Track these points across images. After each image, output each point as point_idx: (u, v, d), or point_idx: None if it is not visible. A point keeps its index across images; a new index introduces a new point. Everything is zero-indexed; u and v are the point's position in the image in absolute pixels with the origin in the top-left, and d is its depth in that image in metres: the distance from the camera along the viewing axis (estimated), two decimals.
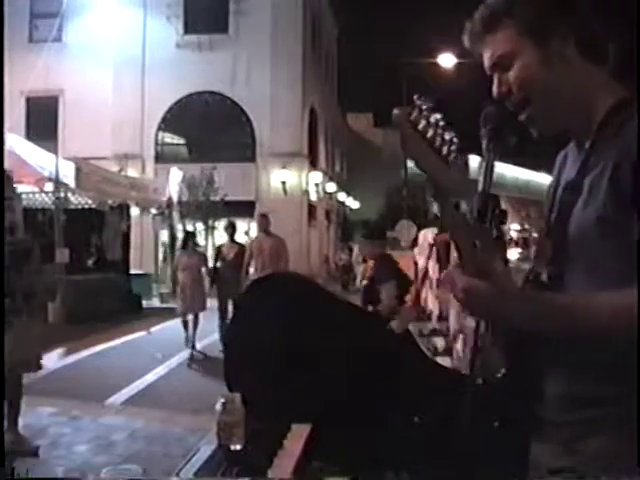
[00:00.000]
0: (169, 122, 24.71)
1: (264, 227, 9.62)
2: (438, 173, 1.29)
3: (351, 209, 36.53)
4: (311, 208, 26.27)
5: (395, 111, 1.28)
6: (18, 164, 11.43)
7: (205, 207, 20.49)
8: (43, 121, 23.30)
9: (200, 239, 20.03)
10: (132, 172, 21.27)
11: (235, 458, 1.80)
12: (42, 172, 12.40)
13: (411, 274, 9.34)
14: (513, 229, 42.36)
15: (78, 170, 12.76)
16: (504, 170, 37.56)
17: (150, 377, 8.13)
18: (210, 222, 20.52)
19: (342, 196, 33.42)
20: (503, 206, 1.39)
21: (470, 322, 5.64)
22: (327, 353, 2.45)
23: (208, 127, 24.21)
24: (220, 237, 13.01)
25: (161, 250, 18.07)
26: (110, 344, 10.36)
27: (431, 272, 8.44)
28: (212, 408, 1.85)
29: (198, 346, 9.80)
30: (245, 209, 20.84)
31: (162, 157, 24.33)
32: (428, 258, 5.90)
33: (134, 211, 16.64)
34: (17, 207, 10.85)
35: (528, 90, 1.41)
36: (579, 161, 1.43)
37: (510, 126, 1.42)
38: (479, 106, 1.44)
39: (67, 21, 22.50)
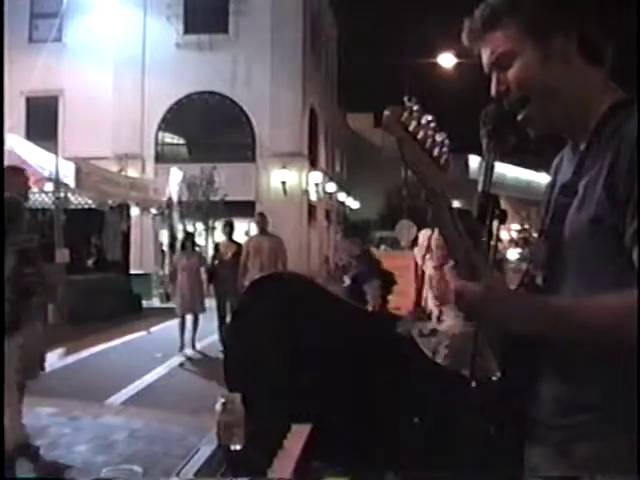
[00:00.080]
0: (169, 122, 24.71)
1: (262, 226, 9.62)
2: (429, 174, 1.30)
3: (351, 209, 36.53)
4: (311, 208, 26.27)
5: (386, 112, 1.28)
6: (18, 164, 11.42)
7: (205, 207, 20.49)
8: (43, 121, 23.30)
9: (200, 239, 20.07)
10: (132, 172, 21.27)
11: (235, 458, 1.79)
12: (42, 172, 12.40)
13: (411, 274, 9.34)
14: (513, 229, 42.41)
15: (78, 170, 12.77)
16: (504, 170, 37.59)
17: (150, 377, 8.13)
18: (210, 222, 20.52)
19: (342, 196, 33.42)
20: (503, 206, 1.39)
21: (457, 323, 5.66)
22: (327, 353, 2.45)
23: (208, 127, 24.21)
24: (220, 237, 13.02)
25: (167, 253, 18.01)
26: (110, 344, 10.36)
27: (429, 272, 8.43)
28: (212, 408, 1.84)
29: (198, 346, 9.81)
30: (245, 209, 20.83)
31: (162, 157, 24.34)
32: (423, 257, 5.90)
33: (134, 211, 16.64)
34: None
35: (527, 89, 1.40)
36: (574, 163, 1.43)
37: (510, 126, 1.42)
38: (479, 106, 1.43)
39: (67, 21, 22.50)
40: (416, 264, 9.19)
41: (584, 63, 1.40)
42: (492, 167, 1.41)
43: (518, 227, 42.23)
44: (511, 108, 1.43)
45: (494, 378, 1.45)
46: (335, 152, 34.15)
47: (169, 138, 25.21)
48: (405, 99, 1.29)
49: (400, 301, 7.70)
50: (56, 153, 13.33)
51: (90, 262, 14.80)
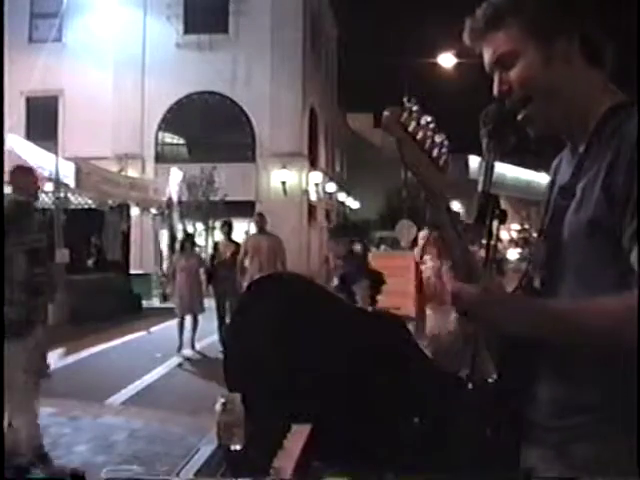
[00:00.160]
0: (169, 122, 24.71)
1: (260, 226, 9.62)
2: (428, 175, 1.30)
3: (351, 209, 36.53)
4: (311, 208, 26.26)
5: (385, 113, 1.28)
6: (18, 164, 11.42)
7: (205, 207, 20.49)
8: (43, 121, 23.29)
9: (200, 239, 20.06)
10: (132, 172, 21.26)
11: (235, 458, 1.79)
12: (42, 172, 12.39)
13: (411, 274, 9.35)
14: (513, 229, 42.43)
15: (78, 170, 12.77)
16: (504, 170, 37.59)
17: (150, 377, 8.13)
18: (210, 222, 20.52)
19: (342, 196, 33.42)
20: (503, 206, 1.39)
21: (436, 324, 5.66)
22: (327, 353, 2.45)
23: (208, 127, 24.21)
24: (220, 237, 13.04)
25: (166, 253, 18.00)
26: (110, 344, 10.36)
27: (425, 272, 8.44)
28: (211, 408, 1.84)
29: (197, 346, 9.82)
30: (245, 209, 20.82)
31: (162, 157, 24.34)
32: (421, 257, 5.90)
33: (134, 211, 16.65)
34: None
35: (529, 89, 1.40)
36: (573, 165, 1.43)
37: (510, 126, 1.42)
38: (479, 106, 1.43)
39: (67, 21, 22.51)
40: (416, 264, 9.21)
41: (585, 64, 1.40)
42: (492, 167, 1.41)
43: (518, 227, 42.25)
44: (512, 108, 1.42)
45: (490, 380, 1.45)
46: (335, 152, 34.15)
47: (169, 138, 25.21)
48: (405, 100, 1.29)
49: (400, 301, 7.71)
50: (56, 153, 13.33)
51: (90, 262, 14.81)
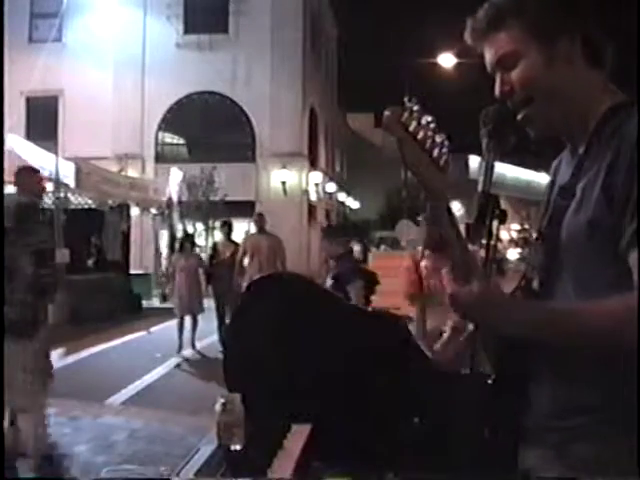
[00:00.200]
0: (169, 122, 24.70)
1: (260, 225, 9.61)
2: (429, 175, 1.30)
3: (351, 209, 36.53)
4: (311, 208, 26.26)
5: (386, 112, 1.28)
6: (18, 164, 11.41)
7: (205, 207, 20.49)
8: (43, 121, 23.29)
9: (200, 239, 20.05)
10: (132, 172, 21.26)
11: (235, 458, 1.79)
12: (42, 172, 12.38)
13: (412, 274, 9.33)
14: (513, 229, 42.42)
15: (78, 170, 12.77)
16: (504, 170, 37.57)
17: (150, 377, 8.13)
18: (210, 222, 20.52)
19: (342, 196, 33.42)
20: (503, 206, 1.39)
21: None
22: (327, 353, 2.45)
23: (208, 127, 24.20)
24: (220, 237, 13.05)
25: (165, 253, 17.98)
26: (110, 344, 10.36)
27: (424, 271, 8.42)
28: (211, 408, 1.84)
29: (197, 346, 9.81)
30: (245, 209, 20.82)
31: (162, 157, 24.33)
32: (421, 258, 5.89)
33: (134, 211, 16.64)
34: None
35: (531, 90, 1.40)
36: (573, 166, 1.43)
37: (510, 126, 1.42)
38: (479, 106, 1.43)
39: (67, 21, 22.50)
40: (416, 264, 9.19)
41: (586, 65, 1.40)
42: (492, 167, 1.40)
43: (518, 227, 42.23)
44: (514, 108, 1.43)
45: (489, 381, 1.45)
46: (335, 152, 34.14)
47: (169, 138, 25.20)
48: (405, 99, 1.29)
49: (400, 301, 7.70)
50: (56, 153, 13.32)
51: (90, 262, 14.80)
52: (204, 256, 11.82)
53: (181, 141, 25.39)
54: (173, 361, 9.16)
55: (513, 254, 32.79)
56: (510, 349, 1.40)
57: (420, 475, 1.88)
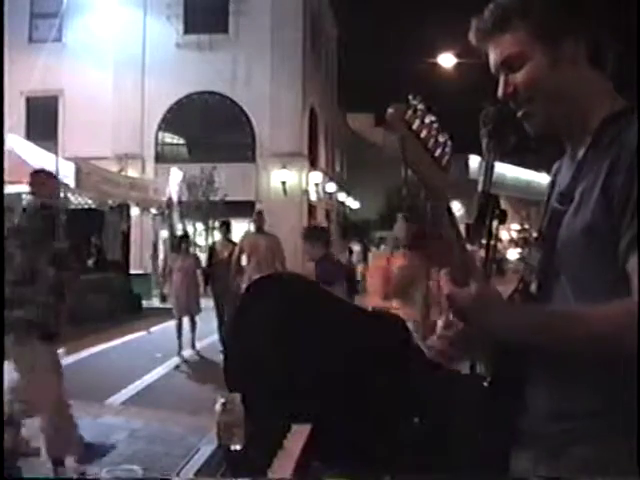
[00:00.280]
0: (169, 122, 24.70)
1: (259, 225, 9.58)
2: (430, 174, 1.29)
3: (351, 209, 36.52)
4: (311, 208, 26.26)
5: (390, 110, 1.26)
6: (18, 164, 11.42)
7: (205, 207, 20.49)
8: (43, 121, 23.28)
9: (200, 239, 20.05)
10: (132, 172, 21.26)
11: (235, 458, 1.79)
12: None
13: None
14: (513, 229, 42.43)
15: (78, 170, 12.77)
16: (504, 170, 37.57)
17: (150, 377, 8.13)
18: (210, 222, 20.52)
19: (342, 196, 33.41)
20: (503, 206, 1.39)
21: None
22: (327, 353, 2.45)
23: (208, 127, 24.20)
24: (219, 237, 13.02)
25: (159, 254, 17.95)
26: (110, 344, 10.36)
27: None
28: (211, 408, 1.84)
29: (197, 346, 9.80)
30: (245, 209, 20.81)
31: (162, 157, 24.33)
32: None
33: (134, 211, 16.64)
34: (17, 207, 10.88)
35: (535, 91, 1.39)
36: (572, 170, 1.43)
37: (510, 126, 1.42)
38: (479, 106, 1.43)
39: (67, 21, 22.46)
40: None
41: (590, 68, 1.40)
42: (492, 167, 1.40)
43: (518, 227, 42.22)
44: (515, 107, 1.42)
45: (485, 383, 1.45)
46: (335, 152, 34.14)
47: (169, 138, 25.20)
48: (410, 97, 1.28)
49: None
50: (56, 153, 13.32)
51: (90, 262, 14.80)
52: (203, 256, 11.80)
53: (181, 141, 25.39)
54: (173, 361, 9.16)
55: (513, 254, 32.81)
56: (506, 352, 1.40)
57: (420, 475, 1.88)
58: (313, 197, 26.33)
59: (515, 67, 1.40)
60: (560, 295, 1.38)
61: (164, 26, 24.12)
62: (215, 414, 1.82)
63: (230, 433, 1.80)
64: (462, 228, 1.34)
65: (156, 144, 24.73)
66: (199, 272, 10.08)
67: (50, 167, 12.32)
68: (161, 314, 13.10)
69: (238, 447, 1.80)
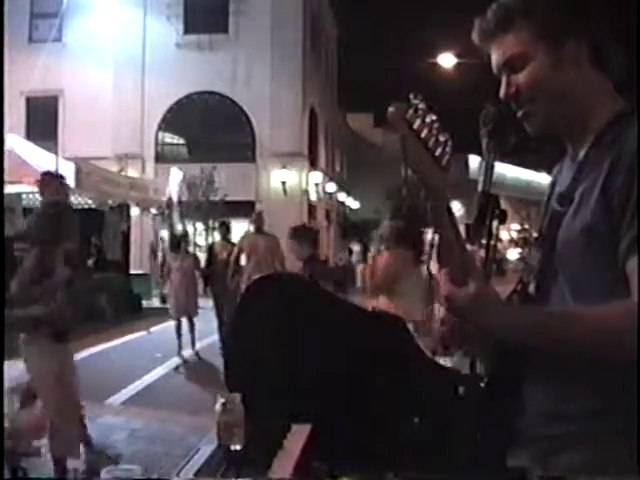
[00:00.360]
0: (169, 122, 24.71)
1: (258, 225, 9.58)
2: (431, 174, 1.29)
3: (351, 209, 36.52)
4: (311, 208, 26.26)
5: (390, 108, 1.26)
6: (18, 164, 11.43)
7: (205, 207, 20.49)
8: (43, 121, 23.28)
9: (200, 239, 20.04)
10: (132, 172, 21.26)
11: (235, 458, 1.79)
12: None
13: None
14: (513, 229, 42.43)
15: (78, 170, 12.76)
16: (504, 170, 37.56)
17: (150, 377, 8.13)
18: (210, 222, 20.52)
19: (342, 196, 33.41)
20: (503, 206, 1.39)
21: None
22: (327, 353, 2.45)
23: (208, 127, 24.21)
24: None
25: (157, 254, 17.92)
26: (110, 344, 10.36)
27: (434, 272, 8.43)
28: (211, 408, 1.84)
29: (197, 346, 9.78)
30: (245, 209, 20.82)
31: (162, 157, 24.33)
32: (428, 257, 5.88)
33: (134, 211, 16.64)
34: (17, 207, 10.90)
35: (537, 91, 1.39)
36: (573, 171, 1.43)
37: (510, 126, 1.42)
38: (479, 106, 1.43)
39: (67, 21, 22.47)
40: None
41: (592, 68, 1.39)
42: (492, 167, 1.40)
43: (518, 227, 42.23)
44: (517, 107, 1.42)
45: (482, 384, 1.44)
46: (335, 152, 34.14)
47: (169, 138, 25.21)
48: (411, 96, 1.27)
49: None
50: (56, 153, 13.32)
51: (90, 262, 14.80)
52: (204, 256, 11.78)
53: (181, 141, 25.39)
54: (173, 361, 9.15)
55: (513, 254, 32.82)
56: (503, 352, 1.40)
57: (420, 475, 1.88)
58: (313, 197, 26.33)
59: (517, 67, 1.40)
60: (558, 296, 1.38)
61: (164, 26, 24.12)
62: (215, 414, 1.82)
63: (230, 433, 1.80)
64: (462, 228, 1.34)
65: (156, 144, 24.73)
66: (197, 272, 10.04)
67: (50, 167, 12.36)
68: (161, 314, 13.09)
69: (238, 447, 1.80)
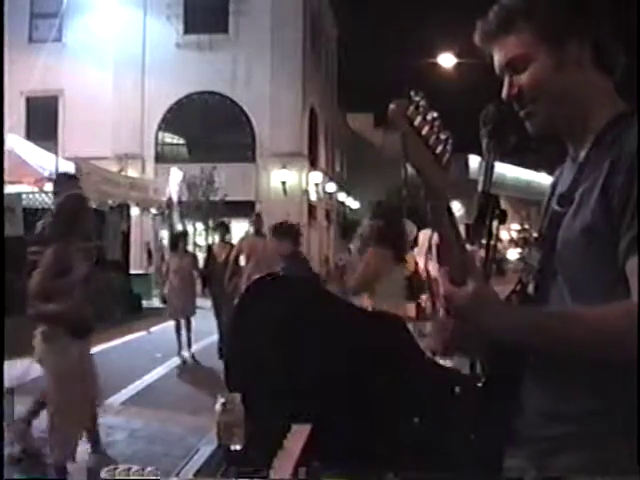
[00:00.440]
0: (169, 122, 24.71)
1: (257, 227, 9.55)
2: (431, 172, 1.28)
3: (351, 209, 36.53)
4: (311, 208, 26.26)
5: (391, 105, 1.25)
6: (18, 164, 11.44)
7: (205, 207, 20.49)
8: (43, 121, 23.29)
9: (200, 239, 20.03)
10: (132, 172, 21.26)
11: (235, 458, 1.79)
12: (42, 172, 12.40)
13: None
14: (513, 229, 42.44)
15: (78, 170, 12.75)
16: (504, 170, 37.57)
17: (150, 377, 8.13)
18: (210, 222, 20.51)
19: (342, 196, 33.41)
20: (503, 206, 1.39)
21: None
22: (327, 353, 2.45)
23: (208, 127, 24.21)
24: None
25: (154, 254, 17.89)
26: (110, 344, 10.34)
27: (432, 272, 8.43)
28: (211, 408, 1.84)
29: (196, 347, 9.74)
30: (245, 209, 20.83)
31: (162, 157, 24.34)
32: (426, 257, 5.87)
33: (134, 211, 16.63)
34: (17, 207, 10.89)
35: (539, 92, 1.39)
36: (573, 172, 1.43)
37: (510, 126, 1.42)
38: (479, 106, 1.43)
39: (67, 21, 22.47)
40: (416, 264, 9.24)
41: (593, 69, 1.40)
42: (492, 167, 1.40)
43: (518, 227, 42.25)
44: (519, 107, 1.42)
45: (480, 384, 1.44)
46: (335, 152, 34.14)
47: (169, 138, 25.21)
48: (412, 93, 1.27)
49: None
50: (56, 153, 13.34)
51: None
52: (202, 256, 11.74)
53: (181, 141, 25.40)
54: (173, 361, 9.15)
55: (513, 254, 32.82)
56: (500, 352, 1.40)
57: (420, 475, 1.88)
58: (313, 197, 26.33)
59: (519, 68, 1.40)
60: (557, 296, 1.38)
61: (164, 26, 24.12)
62: (215, 414, 1.82)
63: (230, 433, 1.80)
64: (462, 228, 1.34)
65: (156, 144, 24.73)
66: (196, 273, 9.99)
67: (50, 167, 12.38)
68: (161, 314, 13.07)
69: (238, 447, 1.80)
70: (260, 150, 24.31)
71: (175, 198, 17.35)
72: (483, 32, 1.44)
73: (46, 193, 13.20)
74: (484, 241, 1.39)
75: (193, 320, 9.65)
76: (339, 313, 2.66)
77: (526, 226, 39.43)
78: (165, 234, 18.00)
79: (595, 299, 1.29)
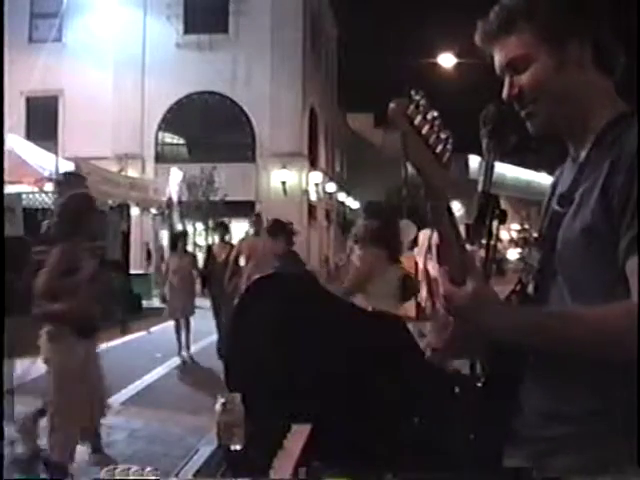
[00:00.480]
0: (169, 122, 24.72)
1: (257, 228, 9.54)
2: (431, 171, 1.28)
3: (351, 209, 36.54)
4: (311, 208, 26.26)
5: (392, 104, 1.25)
6: (18, 164, 11.44)
7: (205, 207, 20.48)
8: (43, 121, 23.29)
9: (200, 239, 20.03)
10: (132, 172, 21.26)
11: (235, 458, 1.79)
12: (42, 172, 12.40)
13: (413, 274, 9.31)
14: (513, 229, 42.44)
15: (78, 170, 12.76)
16: (504, 170, 37.57)
17: (150, 377, 8.13)
18: (210, 222, 20.51)
19: (342, 196, 33.42)
20: (503, 206, 1.39)
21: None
22: (327, 353, 2.45)
23: (208, 127, 24.22)
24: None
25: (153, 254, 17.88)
26: (110, 344, 10.33)
27: (432, 272, 8.43)
28: (211, 408, 1.84)
29: (196, 347, 9.73)
30: (245, 209, 20.82)
31: (162, 157, 24.34)
32: (425, 257, 5.88)
33: (134, 211, 16.63)
34: (17, 207, 10.90)
35: (540, 92, 1.40)
36: (574, 172, 1.43)
37: (510, 126, 1.42)
38: (479, 106, 1.43)
39: (67, 21, 22.48)
40: (416, 264, 9.22)
41: (593, 70, 1.40)
42: (492, 167, 1.40)
43: (518, 227, 42.25)
44: (519, 107, 1.42)
45: (479, 384, 1.44)
46: (335, 152, 34.14)
47: (169, 138, 25.21)
48: (412, 92, 1.27)
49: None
50: (56, 153, 13.33)
51: None
52: (202, 256, 11.74)
53: (181, 141, 25.40)
54: (173, 361, 9.15)
55: (513, 254, 32.82)
56: (500, 352, 1.40)
57: (419, 475, 1.88)
58: (313, 197, 26.33)
59: (520, 69, 1.40)
60: (557, 296, 1.38)
61: (164, 26, 24.13)
62: (215, 414, 1.82)
63: (230, 433, 1.80)
64: (462, 228, 1.34)
65: (156, 144, 24.74)
66: (195, 272, 9.98)
67: (50, 167, 12.37)
68: (161, 314, 13.07)
69: (238, 447, 1.80)
70: (260, 150, 24.32)
71: (175, 198, 17.35)
72: (484, 32, 1.44)
73: (46, 193, 13.20)
74: (484, 241, 1.39)
75: (192, 320, 9.65)
76: (339, 313, 2.65)
77: (526, 226, 39.42)
78: (165, 234, 18.01)
79: (595, 299, 1.29)
